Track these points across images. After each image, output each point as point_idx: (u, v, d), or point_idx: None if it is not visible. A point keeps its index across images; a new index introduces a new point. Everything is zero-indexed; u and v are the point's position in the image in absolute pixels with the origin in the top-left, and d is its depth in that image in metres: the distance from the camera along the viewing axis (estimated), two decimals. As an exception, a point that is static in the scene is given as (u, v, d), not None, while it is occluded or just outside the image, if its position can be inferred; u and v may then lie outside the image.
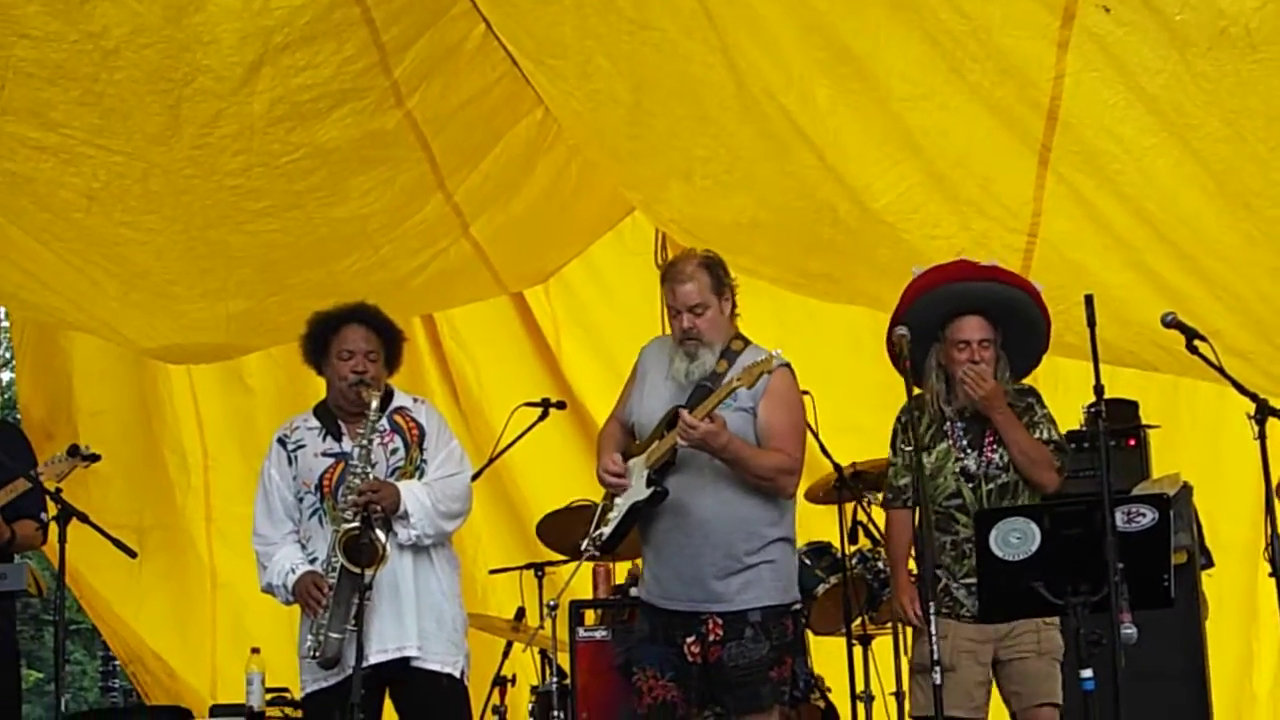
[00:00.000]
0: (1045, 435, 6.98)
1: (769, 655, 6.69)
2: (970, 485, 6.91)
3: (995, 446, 6.93)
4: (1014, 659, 6.86)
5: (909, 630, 7.24)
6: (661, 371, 6.94)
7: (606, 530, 6.87)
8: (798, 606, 6.93)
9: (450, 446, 7.21)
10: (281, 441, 7.19)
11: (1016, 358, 7.06)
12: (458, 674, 7.05)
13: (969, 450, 6.95)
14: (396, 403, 7.18)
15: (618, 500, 6.85)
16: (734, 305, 6.94)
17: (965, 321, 6.95)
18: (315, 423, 7.17)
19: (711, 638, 6.66)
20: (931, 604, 6.41)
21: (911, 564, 7.24)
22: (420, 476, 7.07)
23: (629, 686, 7.19)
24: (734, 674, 6.67)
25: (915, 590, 7.00)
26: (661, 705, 6.74)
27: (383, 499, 6.81)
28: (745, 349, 6.86)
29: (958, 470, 6.93)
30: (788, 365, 6.83)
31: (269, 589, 7.13)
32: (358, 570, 6.67)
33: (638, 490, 6.74)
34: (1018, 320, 6.97)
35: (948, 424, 7.01)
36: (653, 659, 6.78)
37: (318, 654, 6.80)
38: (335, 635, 6.77)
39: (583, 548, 7.06)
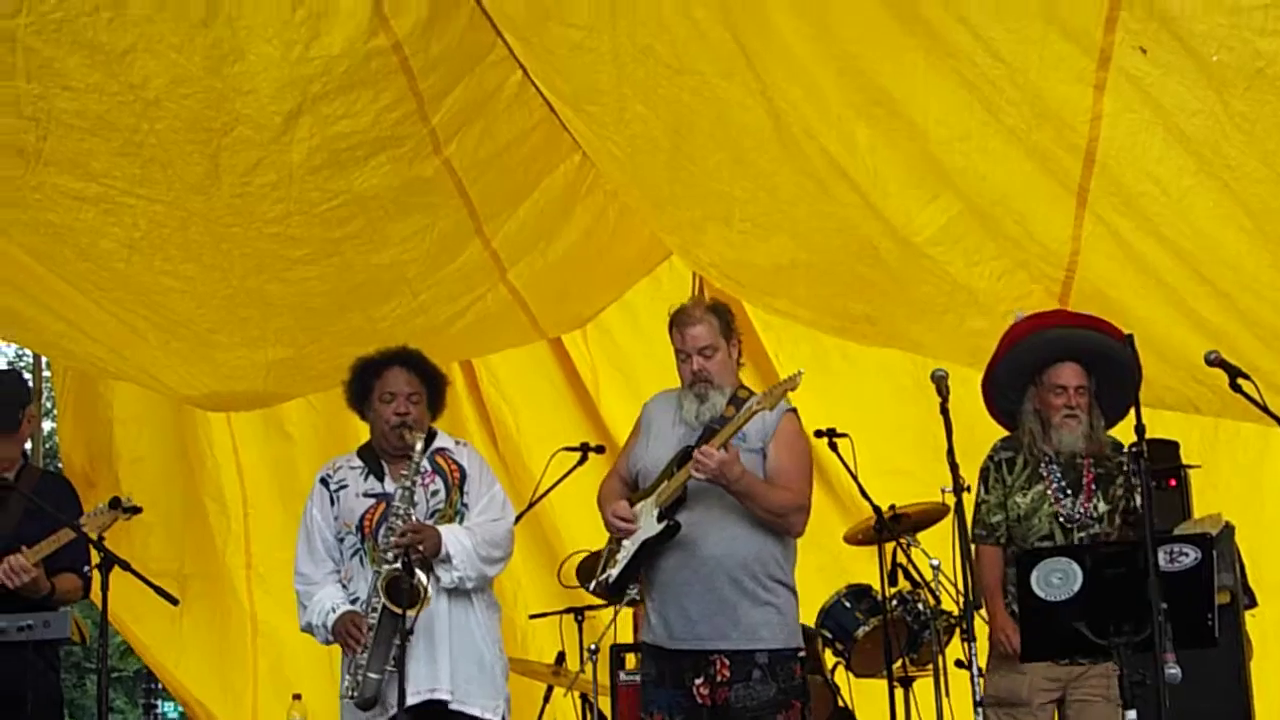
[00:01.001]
0: (1135, 503, 7.00)
1: (776, 698, 6.71)
2: (1065, 529, 6.99)
3: (1094, 494, 6.99)
4: (1079, 700, 6.91)
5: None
6: (669, 419, 7.00)
7: (614, 571, 6.90)
8: (803, 654, 6.96)
9: (493, 491, 7.23)
10: (324, 481, 7.22)
11: (1107, 408, 7.12)
12: (498, 718, 7.05)
13: (1067, 492, 7.02)
14: (439, 444, 7.21)
15: (625, 542, 6.87)
16: (740, 353, 7.03)
17: (1063, 368, 7.08)
18: (359, 463, 7.20)
19: (719, 678, 6.66)
20: (967, 644, 6.41)
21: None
22: (460, 519, 7.09)
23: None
24: (741, 715, 6.67)
25: (1013, 624, 7.02)
26: None
27: (424, 541, 6.82)
28: (751, 396, 6.90)
29: (1053, 513, 6.99)
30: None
31: (309, 628, 7.14)
32: (399, 611, 6.68)
33: (648, 528, 6.77)
34: (1113, 370, 7.01)
35: (1043, 466, 7.05)
36: (662, 703, 6.80)
37: (355, 694, 6.81)
38: (374, 675, 6.78)
39: (590, 589, 7.09)
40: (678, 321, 6.92)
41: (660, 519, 6.75)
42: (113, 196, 7.37)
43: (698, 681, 6.69)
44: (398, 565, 6.71)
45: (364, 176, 7.71)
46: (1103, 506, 7.00)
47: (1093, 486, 7.03)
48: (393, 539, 6.79)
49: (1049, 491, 7.05)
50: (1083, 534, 6.99)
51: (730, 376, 6.93)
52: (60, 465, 10.77)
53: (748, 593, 6.73)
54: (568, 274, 9.38)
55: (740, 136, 7.57)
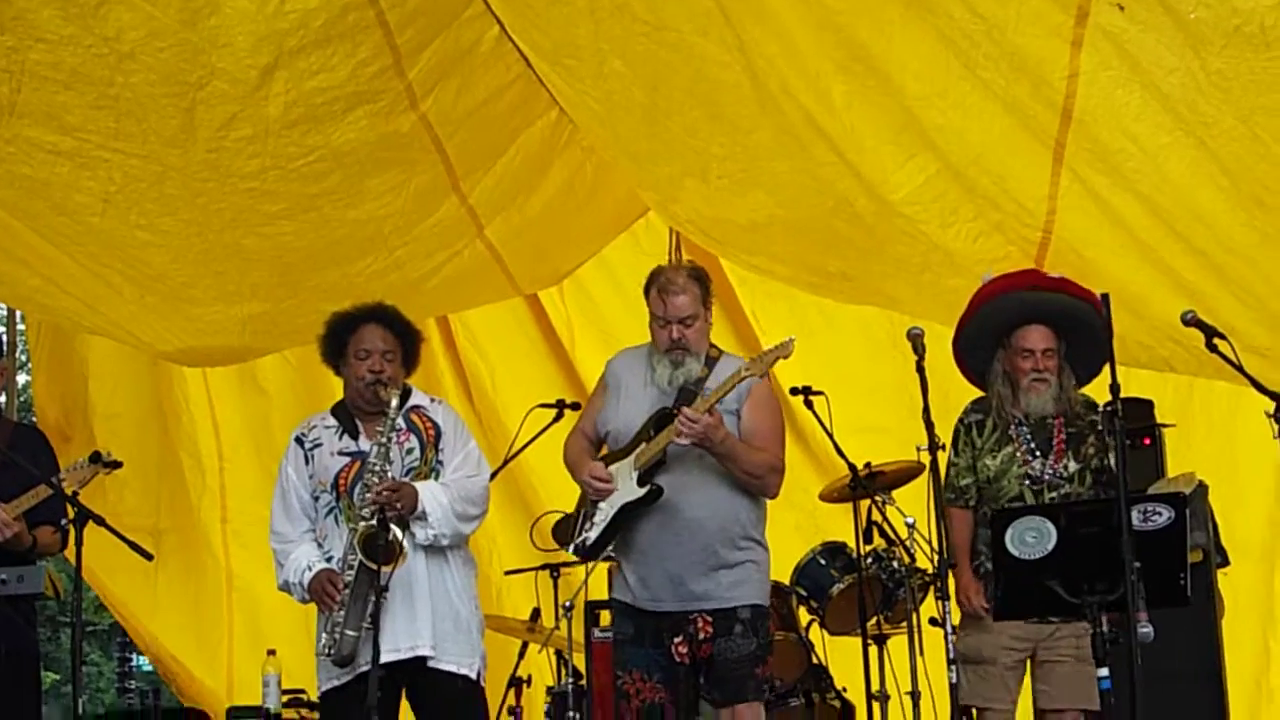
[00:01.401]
0: (1107, 462, 7.02)
1: (755, 652, 6.80)
2: (1034, 490, 6.98)
3: (1064, 454, 6.99)
4: (1051, 660, 6.93)
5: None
6: (638, 380, 7.01)
7: (593, 534, 6.91)
8: (769, 608, 7.01)
9: (469, 448, 7.22)
10: (299, 440, 7.20)
11: (1077, 367, 7.12)
12: (474, 675, 7.06)
13: (1036, 454, 7.03)
14: (414, 402, 7.19)
15: (602, 505, 6.88)
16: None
17: (1030, 330, 7.08)
18: (333, 422, 7.19)
19: (701, 635, 6.70)
20: (943, 602, 6.42)
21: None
22: (435, 477, 7.07)
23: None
24: (724, 666, 6.75)
25: (979, 585, 7.05)
26: (650, 708, 6.79)
27: (401, 499, 6.82)
28: (721, 356, 6.96)
29: (1023, 474, 7.00)
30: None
31: (285, 587, 7.14)
32: (375, 568, 6.67)
33: (628, 491, 6.79)
34: (1082, 332, 7.02)
35: (1013, 428, 7.05)
36: (639, 661, 6.84)
37: (332, 651, 6.81)
38: (351, 633, 6.78)
39: (569, 550, 7.10)
40: (661, 288, 6.91)
41: (640, 482, 6.75)
42: (87, 150, 7.36)
43: (676, 640, 6.72)
44: (374, 522, 6.71)
45: (340, 131, 7.70)
46: (1073, 466, 7.01)
47: (1063, 447, 7.05)
48: (369, 496, 6.78)
49: (1018, 453, 7.07)
50: (1053, 494, 7.00)
51: (705, 342, 6.97)
52: (34, 419, 10.75)
53: (727, 554, 6.79)
54: (544, 230, 9.37)
55: (717, 93, 7.55)
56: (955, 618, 6.81)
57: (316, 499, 7.08)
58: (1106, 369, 6.22)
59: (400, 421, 7.03)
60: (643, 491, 6.75)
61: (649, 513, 6.79)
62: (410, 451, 7.06)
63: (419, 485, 6.93)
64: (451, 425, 7.22)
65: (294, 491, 7.13)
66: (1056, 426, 7.07)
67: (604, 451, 7.13)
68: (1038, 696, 7.01)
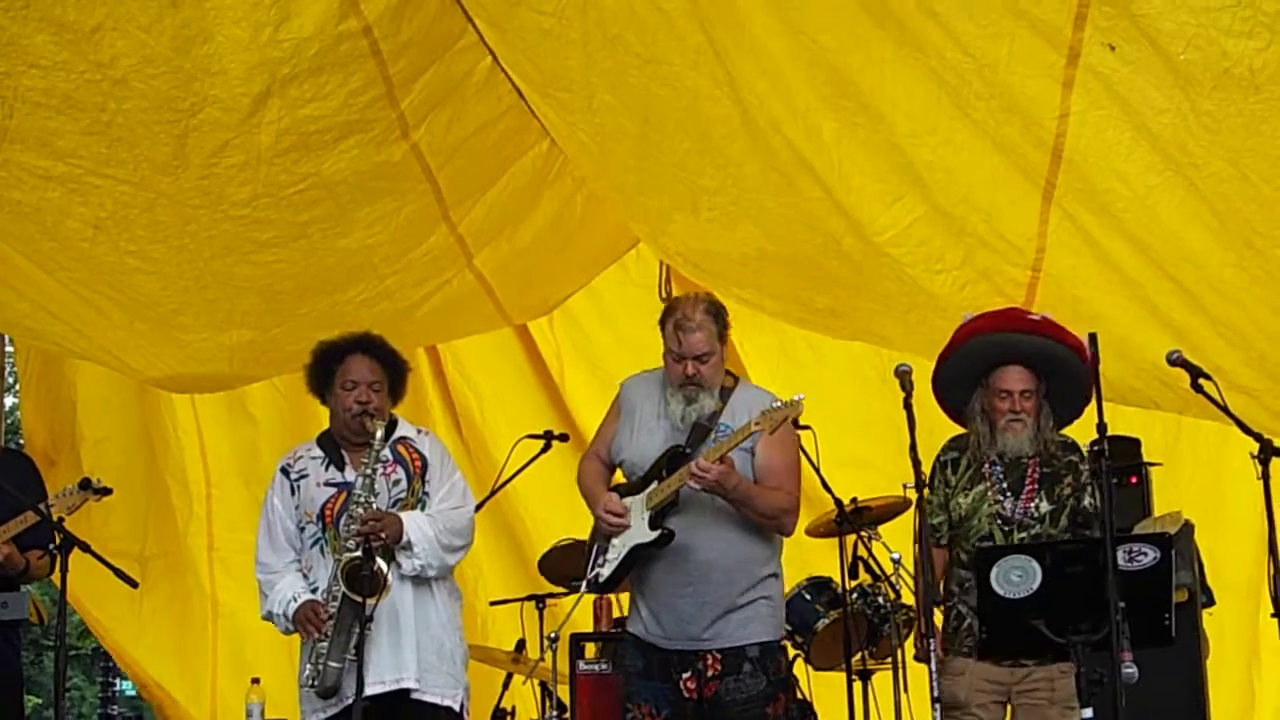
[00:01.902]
0: (1084, 503, 7.00)
1: (766, 690, 6.74)
2: (1004, 529, 6.95)
3: (1035, 495, 6.97)
4: (1026, 704, 6.89)
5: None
6: (653, 410, 6.97)
7: (605, 571, 6.87)
8: (786, 642, 6.96)
9: (454, 479, 7.21)
10: (285, 471, 7.19)
11: (1059, 408, 7.10)
12: (457, 706, 7.05)
13: (1007, 494, 6.99)
14: (400, 433, 7.18)
15: (615, 541, 6.85)
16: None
17: (1008, 371, 7.03)
18: (319, 452, 7.18)
19: (710, 673, 6.67)
20: (934, 640, 6.39)
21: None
22: (422, 508, 7.07)
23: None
24: (732, 709, 6.69)
25: (936, 629, 7.03)
26: None
27: (386, 528, 6.81)
28: (736, 386, 6.93)
29: (993, 514, 6.96)
30: None
31: (269, 617, 7.13)
32: (359, 600, 6.66)
33: (639, 532, 6.75)
34: (1063, 373, 7.00)
35: (986, 467, 7.05)
36: (648, 695, 6.79)
37: (316, 683, 6.79)
38: (334, 664, 6.76)
39: (582, 589, 7.07)
40: (677, 324, 6.85)
41: (652, 525, 6.73)
42: (79, 176, 7.36)
43: (685, 676, 6.71)
44: (358, 553, 6.70)
45: (332, 160, 7.71)
46: (1045, 506, 6.97)
47: (1035, 487, 7.02)
48: (354, 527, 6.78)
49: (990, 492, 7.03)
50: (1023, 535, 6.95)
51: (719, 377, 6.92)
52: (21, 442, 10.74)
53: (740, 593, 6.76)
54: (534, 260, 9.38)
55: (708, 127, 7.57)
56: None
57: (302, 530, 7.07)
58: (1093, 406, 6.24)
59: (387, 453, 7.02)
60: (654, 535, 6.72)
61: (661, 553, 6.76)
62: (397, 483, 7.05)
63: (404, 515, 6.93)
64: (438, 456, 7.22)
65: (279, 522, 7.13)
66: (1031, 467, 7.04)
67: (619, 477, 7.10)
68: None
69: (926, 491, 7.10)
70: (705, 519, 6.72)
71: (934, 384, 7.15)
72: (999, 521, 6.96)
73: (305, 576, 7.04)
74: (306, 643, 6.93)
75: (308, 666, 6.86)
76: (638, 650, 6.90)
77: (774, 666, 6.80)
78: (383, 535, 6.77)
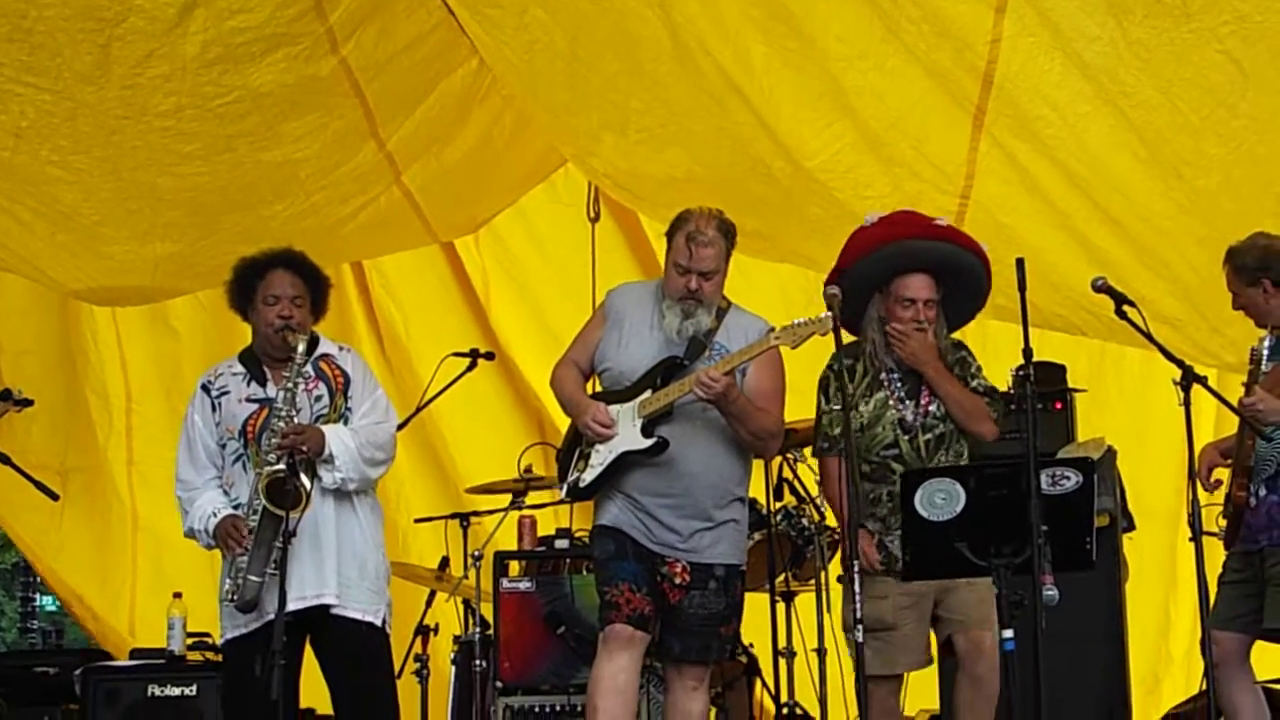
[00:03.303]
0: (982, 385, 6.99)
1: (724, 611, 6.75)
2: (907, 436, 6.90)
3: (932, 398, 6.92)
4: (950, 587, 6.82)
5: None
6: (645, 321, 6.86)
7: (588, 476, 6.80)
8: (744, 568, 6.97)
9: (376, 395, 7.16)
10: (205, 388, 7.10)
11: (953, 314, 7.05)
12: (379, 622, 7.02)
13: (906, 401, 6.93)
14: (322, 350, 7.12)
15: (599, 447, 6.79)
16: None
17: (913, 279, 6.90)
18: (240, 369, 7.10)
19: (678, 580, 6.66)
20: (855, 562, 6.38)
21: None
22: (344, 423, 7.03)
23: (553, 638, 7.16)
24: (692, 620, 6.69)
25: (869, 536, 6.99)
26: (639, 616, 6.60)
27: (307, 441, 6.76)
28: (730, 309, 6.86)
29: (895, 421, 6.92)
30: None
31: (191, 534, 7.06)
32: (280, 513, 6.63)
33: (630, 439, 6.68)
34: (963, 283, 6.95)
35: (884, 375, 6.99)
36: (626, 573, 6.65)
37: (235, 597, 6.76)
38: (254, 579, 6.72)
39: (561, 491, 7.03)
40: (690, 236, 6.70)
41: (645, 432, 6.70)
42: (-2, 84, 7.27)
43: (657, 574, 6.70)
44: (279, 466, 6.66)
45: (259, 73, 7.65)
46: (944, 406, 6.94)
47: (931, 392, 6.97)
48: (275, 440, 6.74)
49: (891, 400, 6.98)
50: (927, 435, 6.91)
51: (719, 295, 6.84)
52: (-60, 356, 10.63)
53: (717, 509, 6.73)
54: (462, 178, 9.34)
55: (637, 48, 7.54)
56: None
57: (224, 446, 7.01)
58: (1004, 325, 6.22)
59: (309, 369, 6.96)
60: (649, 443, 6.65)
61: (646, 460, 6.73)
62: (319, 399, 7.00)
63: (325, 428, 6.89)
64: (360, 373, 7.17)
65: (200, 439, 7.05)
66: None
67: (594, 386, 7.05)
68: (944, 626, 6.94)
69: (823, 401, 7.09)
70: (696, 430, 6.68)
71: (825, 292, 6.96)
72: (901, 429, 6.91)
73: (227, 493, 6.99)
74: (227, 558, 6.89)
75: (227, 581, 6.82)
76: (608, 537, 6.77)
77: (734, 589, 6.81)
78: (304, 448, 6.73)
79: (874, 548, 6.92)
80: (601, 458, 6.75)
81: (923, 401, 6.94)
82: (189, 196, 8.35)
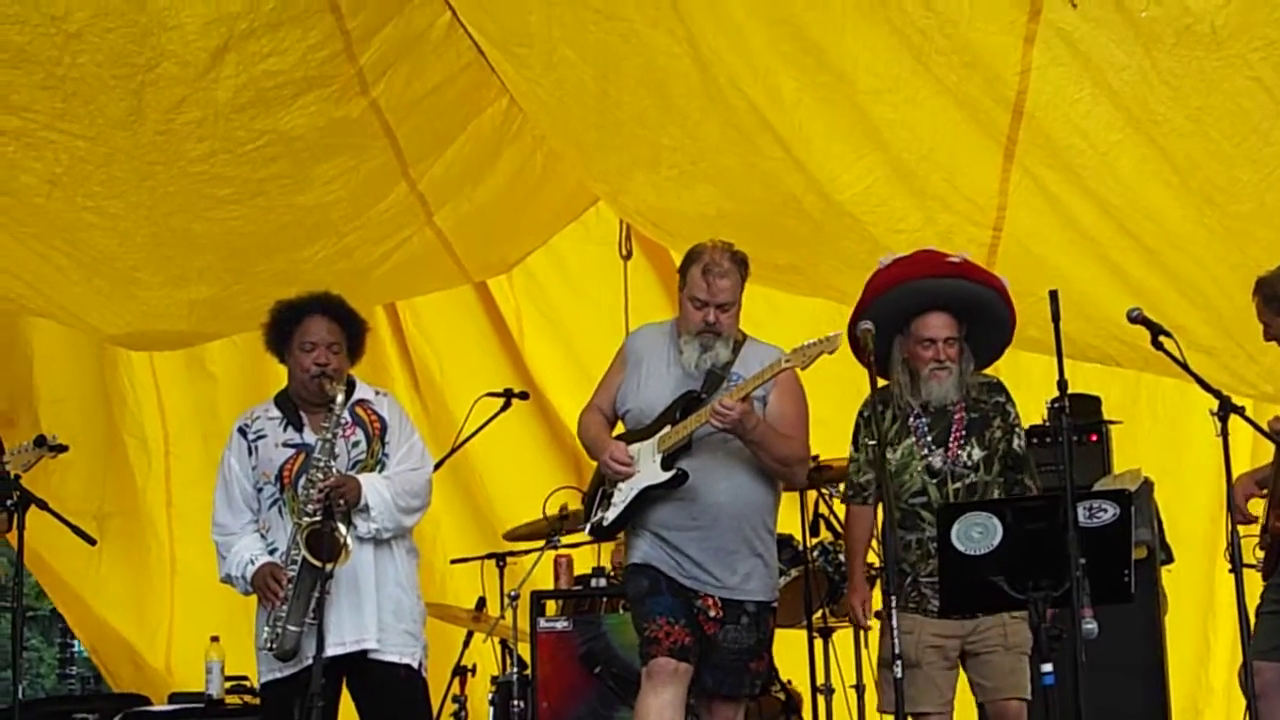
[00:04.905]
0: (1020, 450, 6.96)
1: (754, 646, 6.75)
2: (935, 482, 6.86)
3: (963, 444, 6.90)
4: (981, 653, 6.82)
5: (874, 622, 7.25)
6: (662, 360, 6.88)
7: (610, 515, 6.81)
8: (775, 605, 6.96)
9: (412, 441, 7.17)
10: (242, 431, 7.12)
11: (980, 351, 7.01)
12: (415, 664, 7.03)
13: (934, 447, 6.90)
14: (359, 395, 7.13)
15: (621, 485, 6.79)
16: None
17: (931, 319, 6.86)
18: (276, 413, 7.12)
19: (712, 614, 6.65)
20: (894, 598, 6.35)
21: (874, 557, 7.23)
22: (381, 469, 7.03)
23: (590, 677, 7.13)
24: (725, 654, 6.69)
25: (868, 591, 7.01)
26: (681, 648, 6.60)
27: (346, 493, 6.77)
28: (747, 340, 6.88)
29: (922, 468, 6.89)
30: None
31: (228, 580, 7.07)
32: (319, 564, 6.64)
33: (650, 474, 6.68)
34: (984, 317, 6.92)
35: (911, 420, 6.96)
36: (664, 608, 6.65)
37: (274, 646, 6.76)
38: (293, 628, 6.73)
39: (586, 531, 7.03)
40: (706, 268, 6.74)
41: (665, 466, 6.69)
42: (33, 131, 7.31)
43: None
44: (318, 518, 6.67)
45: (290, 116, 7.67)
46: (977, 453, 6.86)
47: (962, 434, 6.91)
48: (313, 493, 6.74)
49: (916, 446, 6.94)
50: (957, 485, 6.86)
51: (735, 328, 6.87)
52: (-22, 403, 10.68)
53: (745, 542, 6.73)
54: (494, 218, 9.35)
55: (668, 84, 7.55)
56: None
57: (260, 490, 7.02)
58: (1027, 355, 6.20)
59: (346, 415, 6.97)
60: (667, 476, 6.65)
61: (667, 497, 6.72)
62: (356, 444, 7.01)
63: (362, 478, 6.89)
64: (396, 418, 7.17)
65: (236, 483, 7.06)
66: (957, 414, 6.93)
67: (619, 429, 7.03)
68: (976, 691, 6.97)
69: (852, 448, 7.07)
70: (717, 461, 6.67)
71: (850, 334, 6.95)
72: (929, 475, 6.87)
73: (264, 537, 7.00)
74: (264, 606, 6.89)
75: (265, 629, 6.82)
76: (641, 574, 6.77)
77: (764, 625, 6.81)
78: (342, 500, 6.74)
79: (863, 604, 6.95)
80: (623, 495, 6.76)
81: (951, 447, 6.89)
82: (223, 240, 8.38)
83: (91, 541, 7.38)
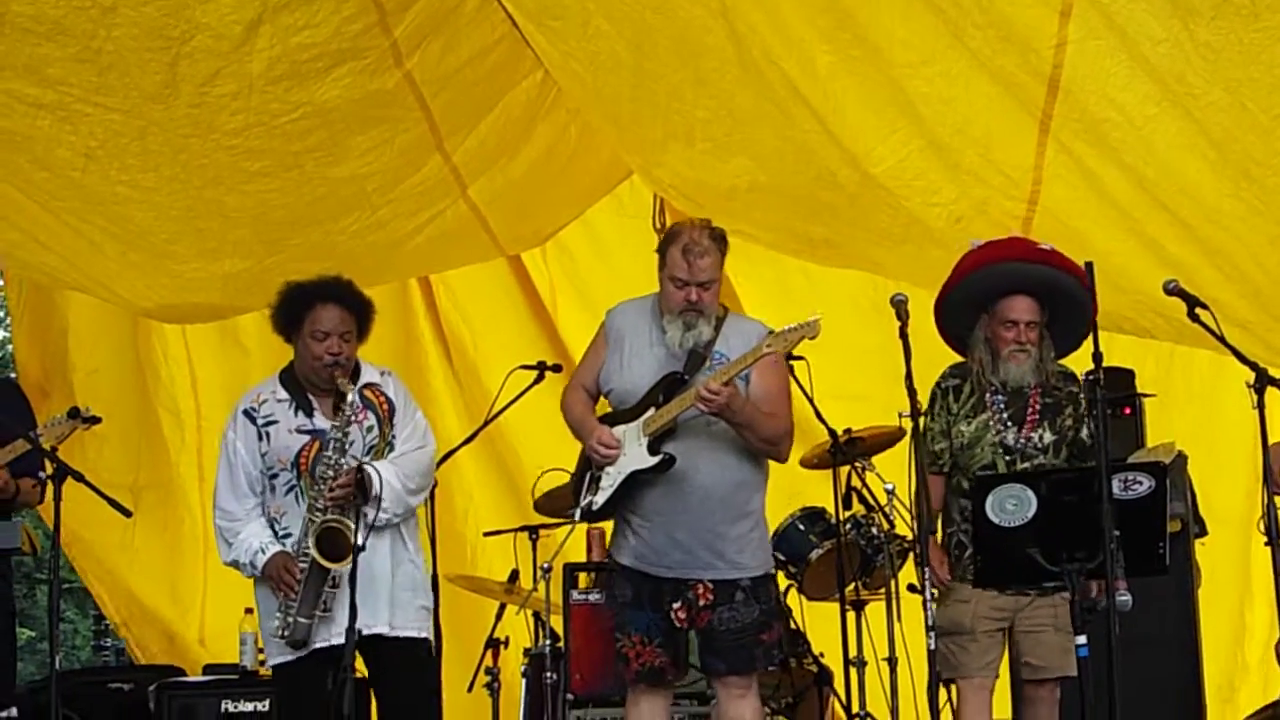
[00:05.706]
0: (1083, 434, 7.00)
1: (760, 618, 6.73)
2: (1007, 459, 6.92)
3: (1036, 425, 6.96)
4: (1031, 630, 6.90)
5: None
6: (644, 338, 6.89)
7: (599, 499, 6.83)
8: (773, 573, 6.97)
9: (415, 419, 7.13)
10: (249, 415, 7.03)
11: (1059, 338, 7.06)
12: (426, 634, 7.06)
13: (1009, 424, 6.97)
14: (366, 379, 7.02)
15: (609, 469, 6.81)
16: None
17: (1015, 301, 6.96)
18: (284, 394, 7.02)
19: (701, 602, 6.65)
20: (928, 570, 6.36)
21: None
22: (390, 450, 7.01)
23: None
24: (726, 638, 6.68)
25: (944, 555, 7.02)
26: (650, 670, 6.73)
27: (356, 492, 6.77)
28: (727, 316, 6.87)
29: (996, 442, 6.94)
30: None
31: (234, 564, 6.99)
32: (330, 566, 6.66)
33: (636, 458, 6.70)
34: (1066, 304, 6.95)
35: (989, 396, 7.02)
36: (639, 624, 6.75)
37: (286, 634, 6.76)
38: (304, 620, 6.72)
39: (575, 516, 7.04)
40: (685, 248, 6.72)
41: (651, 450, 6.70)
42: (69, 104, 7.33)
43: (675, 605, 6.67)
44: (330, 518, 6.68)
45: (324, 88, 7.68)
46: (1048, 437, 6.96)
47: (1036, 417, 6.99)
48: (327, 492, 6.72)
49: (992, 421, 7.00)
50: (1026, 465, 6.91)
51: (716, 305, 6.86)
52: (15, 375, 10.73)
53: (733, 521, 6.72)
54: (528, 191, 9.34)
55: (702, 57, 7.53)
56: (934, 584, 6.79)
57: (275, 476, 6.94)
58: (1088, 336, 6.23)
59: (356, 399, 6.91)
60: (655, 460, 6.66)
61: (655, 479, 6.73)
62: (370, 429, 6.97)
63: (371, 469, 6.85)
64: (402, 398, 7.12)
65: (242, 466, 6.97)
66: (1033, 397, 7.02)
67: (603, 407, 7.04)
68: (1021, 668, 6.99)
69: (925, 420, 7.09)
70: (702, 443, 6.68)
71: (936, 310, 7.11)
72: (1002, 451, 6.94)
73: (278, 522, 6.95)
74: (276, 596, 6.87)
75: (276, 617, 6.81)
76: (625, 580, 6.85)
77: (765, 595, 6.79)
78: (356, 498, 6.73)
79: (944, 563, 6.96)
80: (611, 479, 6.77)
81: (1027, 428, 6.95)
82: (257, 213, 8.39)
83: (127, 513, 7.39)
